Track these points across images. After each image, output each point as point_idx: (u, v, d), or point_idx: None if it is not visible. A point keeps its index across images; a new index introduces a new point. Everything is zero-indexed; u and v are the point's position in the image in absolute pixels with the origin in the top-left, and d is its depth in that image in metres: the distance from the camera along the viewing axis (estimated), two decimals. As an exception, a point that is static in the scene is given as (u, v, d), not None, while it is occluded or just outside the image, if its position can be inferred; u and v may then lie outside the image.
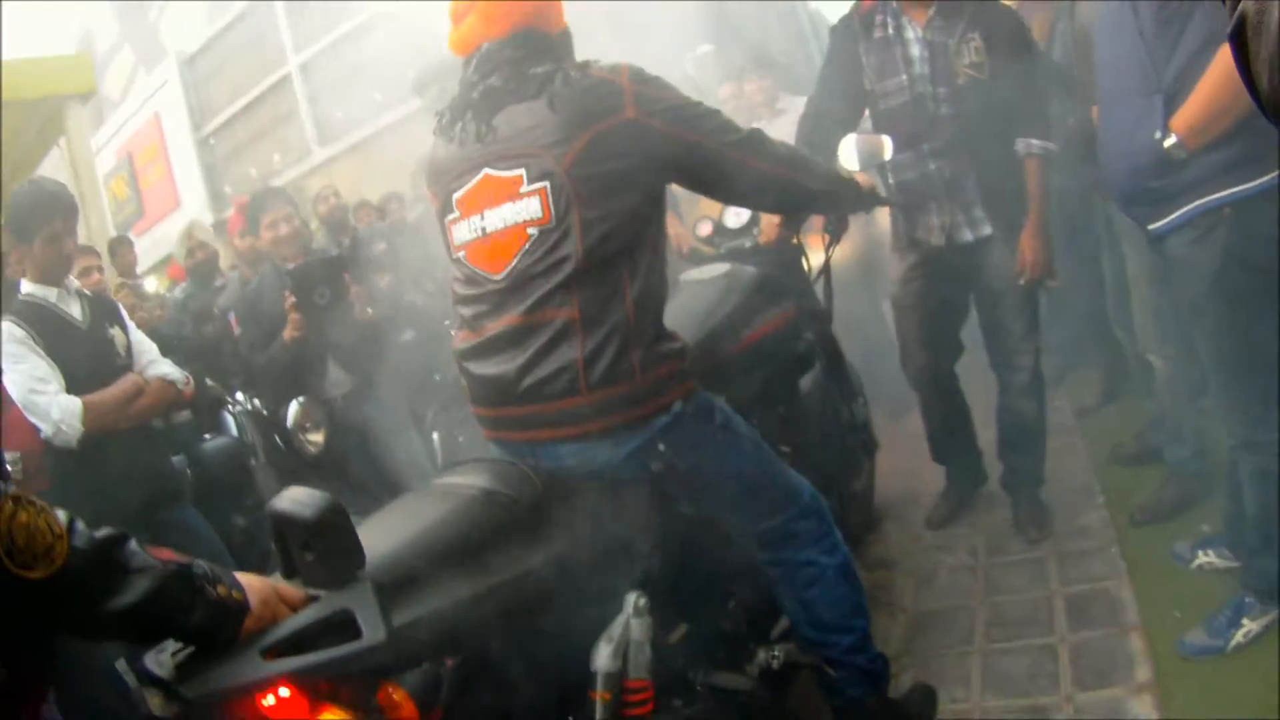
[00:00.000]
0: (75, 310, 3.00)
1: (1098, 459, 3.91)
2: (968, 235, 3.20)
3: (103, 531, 1.26)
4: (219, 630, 1.35)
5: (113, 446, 2.90)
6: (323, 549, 1.49)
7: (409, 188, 6.12)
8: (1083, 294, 4.09)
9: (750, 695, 2.20)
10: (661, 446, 1.96)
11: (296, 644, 1.41)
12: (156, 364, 3.15)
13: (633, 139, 1.92)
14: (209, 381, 3.59)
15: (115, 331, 3.06)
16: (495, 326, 1.94)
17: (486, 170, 1.98)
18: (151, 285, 4.77)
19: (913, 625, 3.25)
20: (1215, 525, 2.96)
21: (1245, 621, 2.55)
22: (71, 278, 3.08)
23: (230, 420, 3.73)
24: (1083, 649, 2.83)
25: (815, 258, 3.17)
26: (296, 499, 1.53)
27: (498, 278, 1.93)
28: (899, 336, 3.65)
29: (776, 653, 2.30)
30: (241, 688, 1.35)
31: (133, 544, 1.29)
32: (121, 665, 2.88)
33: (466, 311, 2.03)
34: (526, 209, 1.91)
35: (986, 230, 3.17)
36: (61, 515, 1.21)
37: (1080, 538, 3.40)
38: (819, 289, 3.17)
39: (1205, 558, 2.93)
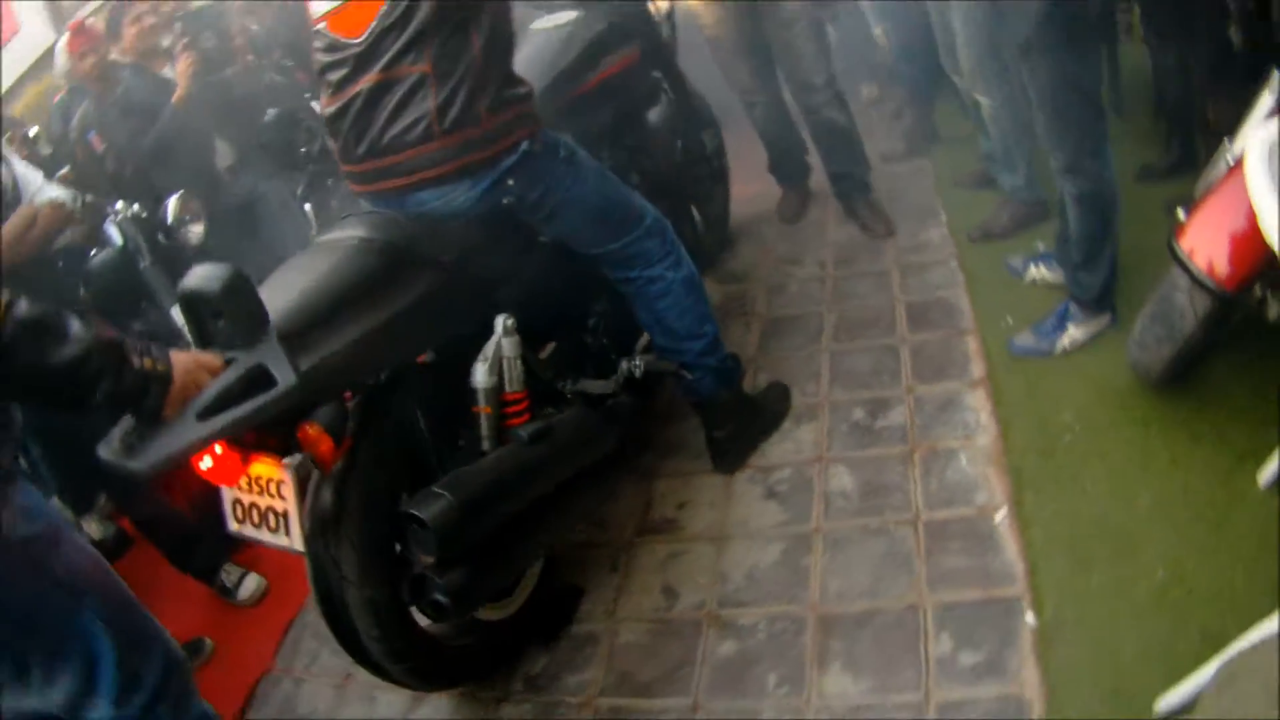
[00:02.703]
0: None
1: (941, 183, 3.94)
2: None
3: (46, 307, 1.35)
4: (145, 395, 1.43)
5: (17, 284, 2.72)
6: (232, 314, 1.58)
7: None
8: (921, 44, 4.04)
9: (615, 397, 2.37)
10: (511, 182, 2.04)
11: (223, 403, 1.52)
12: (44, 190, 3.07)
13: None
14: (88, 198, 3.36)
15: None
16: (356, 87, 1.96)
17: None
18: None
19: (766, 330, 3.30)
20: (1049, 244, 3.05)
21: (1071, 328, 2.68)
22: None
23: (113, 231, 3.50)
24: (922, 349, 2.94)
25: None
26: (203, 275, 1.60)
27: (358, 41, 1.94)
28: (725, 75, 3.76)
29: (638, 362, 2.47)
30: (184, 450, 1.47)
31: (74, 320, 1.37)
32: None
33: (331, 77, 2.03)
34: None
35: None
36: (5, 293, 1.30)
37: (921, 252, 3.47)
38: (664, 29, 3.26)
39: (1037, 271, 3.03)
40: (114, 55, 3.74)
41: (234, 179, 3.95)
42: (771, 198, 4.11)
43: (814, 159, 3.93)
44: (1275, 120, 1.82)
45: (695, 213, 3.45)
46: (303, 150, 4.06)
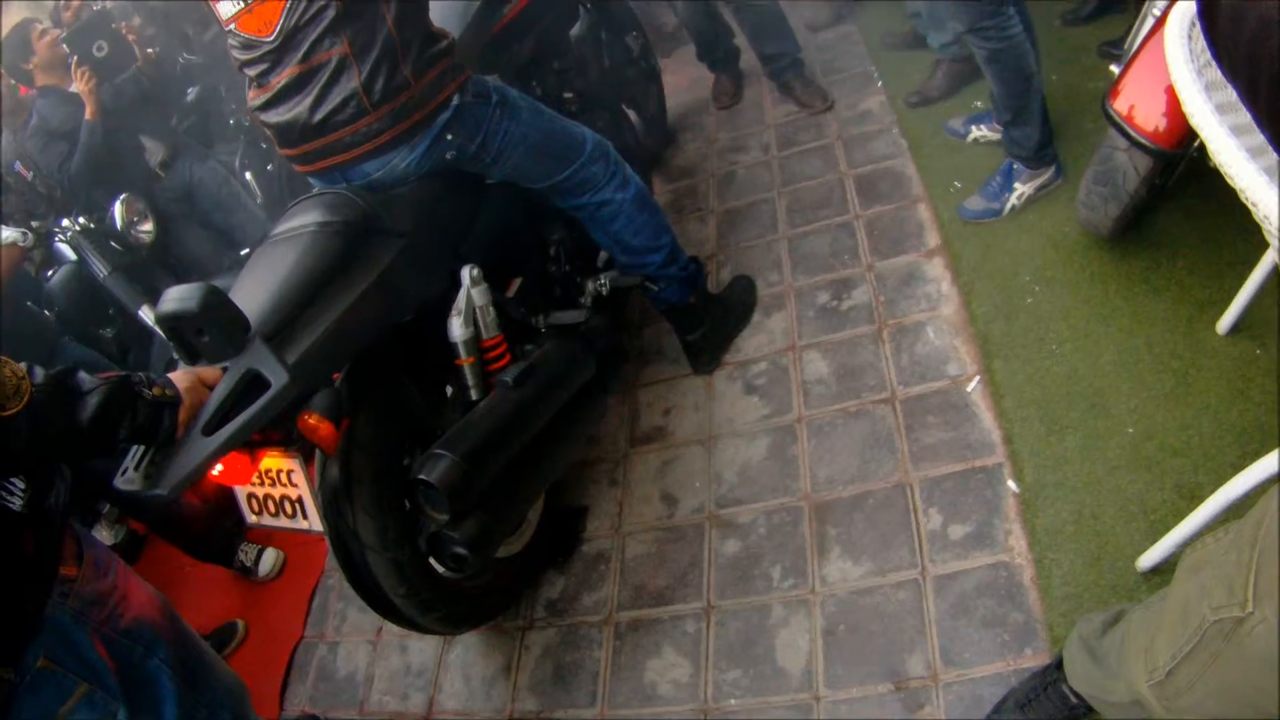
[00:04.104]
0: None
1: (871, 47, 3.82)
2: None
3: (54, 368, 1.35)
4: (160, 423, 1.45)
5: None
6: (214, 328, 1.57)
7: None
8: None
9: (587, 323, 2.35)
10: (449, 137, 2.01)
11: (225, 413, 1.52)
12: None
13: None
14: (34, 224, 3.27)
15: None
16: (280, 79, 1.92)
17: None
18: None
19: (722, 223, 3.25)
20: (986, 102, 3.00)
21: (1017, 185, 2.65)
22: None
23: (64, 248, 3.43)
24: (876, 223, 2.91)
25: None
26: (178, 297, 1.57)
27: (270, 39, 1.89)
28: None
29: (603, 281, 2.47)
30: (200, 468, 1.48)
31: (81, 372, 1.38)
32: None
33: (251, 72, 1.98)
34: None
35: None
36: (22, 364, 1.30)
37: (862, 122, 3.39)
38: None
39: (978, 131, 2.98)
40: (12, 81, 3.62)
41: (169, 173, 3.88)
42: (705, 83, 3.99)
43: (741, 40, 3.79)
44: None
45: (633, 116, 3.34)
46: (231, 122, 3.93)
